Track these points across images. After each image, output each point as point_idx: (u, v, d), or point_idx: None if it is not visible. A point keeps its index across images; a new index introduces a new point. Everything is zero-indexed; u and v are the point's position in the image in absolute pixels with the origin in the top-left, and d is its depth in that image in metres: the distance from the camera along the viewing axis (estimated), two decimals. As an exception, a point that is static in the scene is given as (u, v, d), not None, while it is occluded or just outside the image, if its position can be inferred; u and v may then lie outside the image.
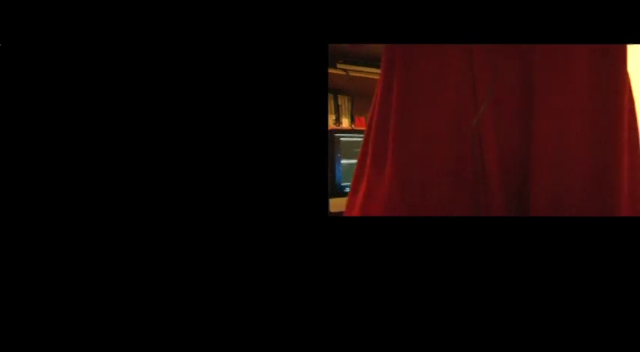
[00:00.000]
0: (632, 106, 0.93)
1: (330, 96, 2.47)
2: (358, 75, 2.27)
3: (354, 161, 1.02)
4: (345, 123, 2.51)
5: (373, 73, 2.24)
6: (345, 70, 2.23)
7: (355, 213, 0.93)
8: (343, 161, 2.15)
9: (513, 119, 0.88)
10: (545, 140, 0.86)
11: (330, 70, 2.19)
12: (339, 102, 2.51)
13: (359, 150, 0.99)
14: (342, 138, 2.17)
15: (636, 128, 0.93)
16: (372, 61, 2.25)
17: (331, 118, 2.45)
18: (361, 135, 1.05)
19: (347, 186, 1.79)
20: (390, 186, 0.89)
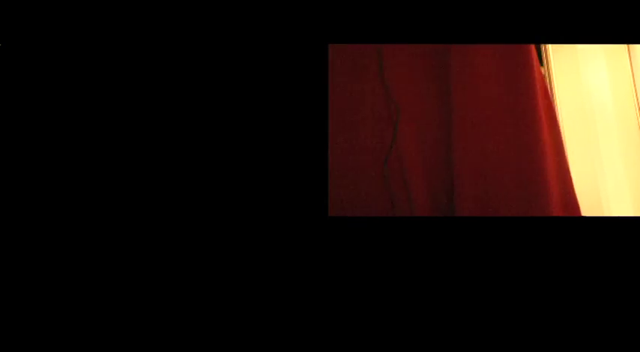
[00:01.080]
0: (550, 110, 0.95)
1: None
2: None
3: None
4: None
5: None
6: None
7: None
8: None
9: (434, 129, 0.92)
10: (465, 147, 0.90)
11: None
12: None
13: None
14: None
15: (558, 131, 0.95)
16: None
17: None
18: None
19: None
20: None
